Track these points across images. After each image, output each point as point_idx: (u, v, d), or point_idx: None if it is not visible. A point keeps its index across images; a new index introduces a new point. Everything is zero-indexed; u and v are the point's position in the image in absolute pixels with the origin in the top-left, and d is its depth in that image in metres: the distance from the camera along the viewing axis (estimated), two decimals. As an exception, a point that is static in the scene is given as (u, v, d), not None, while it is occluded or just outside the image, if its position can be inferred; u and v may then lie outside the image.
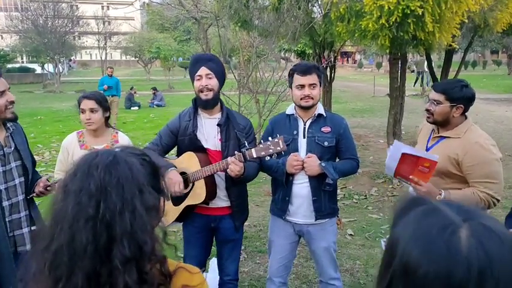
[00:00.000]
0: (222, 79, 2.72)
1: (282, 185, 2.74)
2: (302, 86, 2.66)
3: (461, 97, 2.37)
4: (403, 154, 2.32)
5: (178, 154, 2.77)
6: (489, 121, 12.46)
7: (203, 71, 2.62)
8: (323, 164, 2.62)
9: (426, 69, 21.11)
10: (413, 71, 32.02)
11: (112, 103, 11.74)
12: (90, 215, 0.93)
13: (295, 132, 2.72)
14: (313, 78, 2.66)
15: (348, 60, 53.99)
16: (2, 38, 38.55)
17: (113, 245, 0.93)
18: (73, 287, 0.92)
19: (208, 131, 2.71)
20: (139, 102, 17.24)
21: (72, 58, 44.22)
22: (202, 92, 2.62)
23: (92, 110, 2.80)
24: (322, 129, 2.71)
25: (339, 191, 6.51)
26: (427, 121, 2.53)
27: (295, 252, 3.00)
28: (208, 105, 2.68)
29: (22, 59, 42.88)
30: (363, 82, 27.57)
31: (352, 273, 3.97)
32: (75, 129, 3.11)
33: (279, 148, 2.49)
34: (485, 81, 23.32)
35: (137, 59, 34.15)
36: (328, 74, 9.45)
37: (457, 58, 9.90)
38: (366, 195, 6.34)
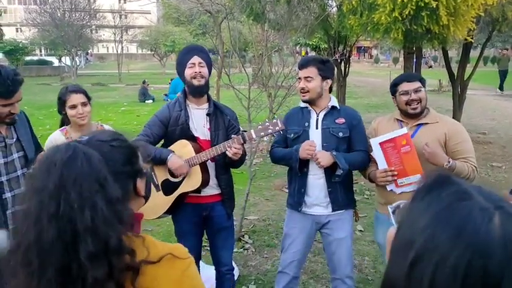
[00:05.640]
0: (210, 70, 2.83)
1: (297, 176, 2.73)
2: (300, 79, 2.73)
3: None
4: (381, 144, 2.50)
5: (166, 145, 2.78)
6: (507, 117, 12.22)
7: (196, 59, 2.71)
8: (334, 153, 2.59)
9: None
10: (430, 67, 31.35)
11: None
12: (52, 212, 0.95)
13: (306, 124, 2.72)
14: (308, 71, 2.67)
15: (364, 55, 53.49)
16: (21, 31, 39.14)
17: (78, 241, 0.95)
18: (46, 281, 0.95)
19: (198, 121, 2.78)
20: (153, 95, 17.33)
21: (89, 51, 44.70)
22: (195, 78, 2.70)
23: (83, 104, 2.71)
24: (337, 120, 2.70)
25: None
26: (412, 112, 2.62)
27: (310, 248, 2.97)
28: (201, 91, 2.75)
29: (40, 51, 43.47)
30: (379, 77, 27.26)
31: (360, 269, 3.94)
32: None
33: (277, 128, 2.56)
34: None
35: (153, 52, 34.34)
36: (342, 68, 9.36)
37: (476, 54, 9.72)
38: (377, 191, 6.27)
